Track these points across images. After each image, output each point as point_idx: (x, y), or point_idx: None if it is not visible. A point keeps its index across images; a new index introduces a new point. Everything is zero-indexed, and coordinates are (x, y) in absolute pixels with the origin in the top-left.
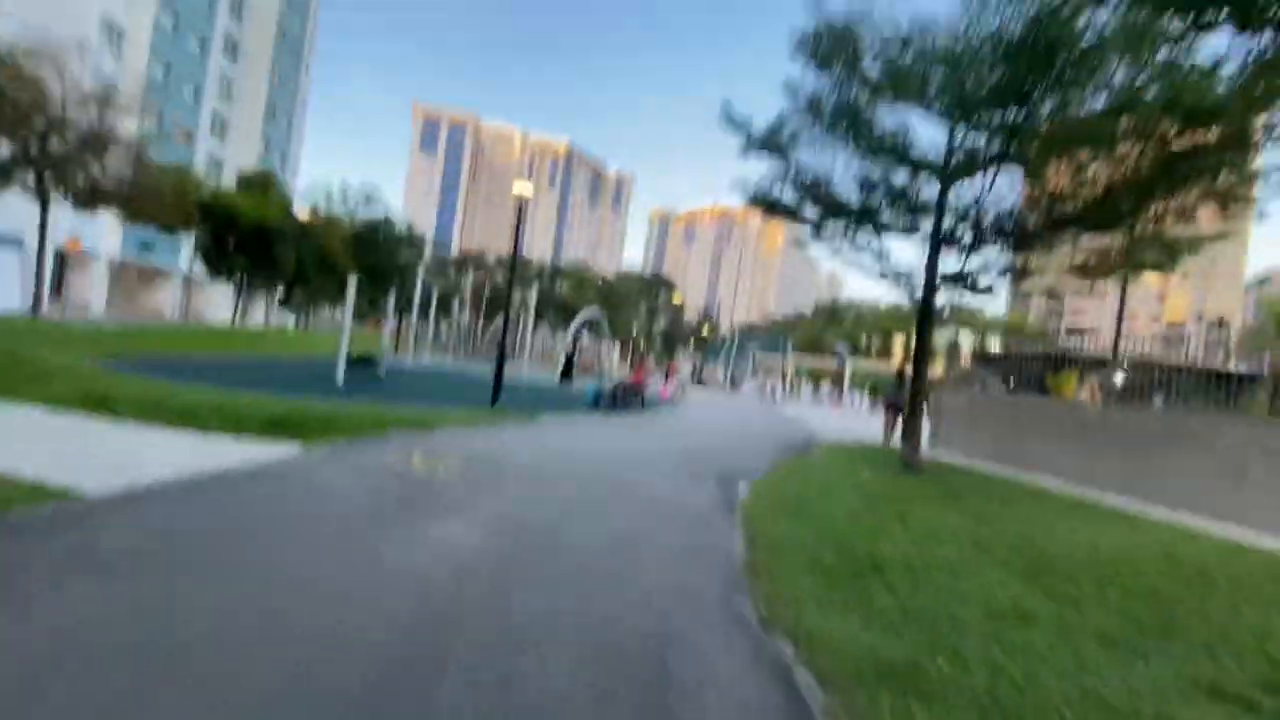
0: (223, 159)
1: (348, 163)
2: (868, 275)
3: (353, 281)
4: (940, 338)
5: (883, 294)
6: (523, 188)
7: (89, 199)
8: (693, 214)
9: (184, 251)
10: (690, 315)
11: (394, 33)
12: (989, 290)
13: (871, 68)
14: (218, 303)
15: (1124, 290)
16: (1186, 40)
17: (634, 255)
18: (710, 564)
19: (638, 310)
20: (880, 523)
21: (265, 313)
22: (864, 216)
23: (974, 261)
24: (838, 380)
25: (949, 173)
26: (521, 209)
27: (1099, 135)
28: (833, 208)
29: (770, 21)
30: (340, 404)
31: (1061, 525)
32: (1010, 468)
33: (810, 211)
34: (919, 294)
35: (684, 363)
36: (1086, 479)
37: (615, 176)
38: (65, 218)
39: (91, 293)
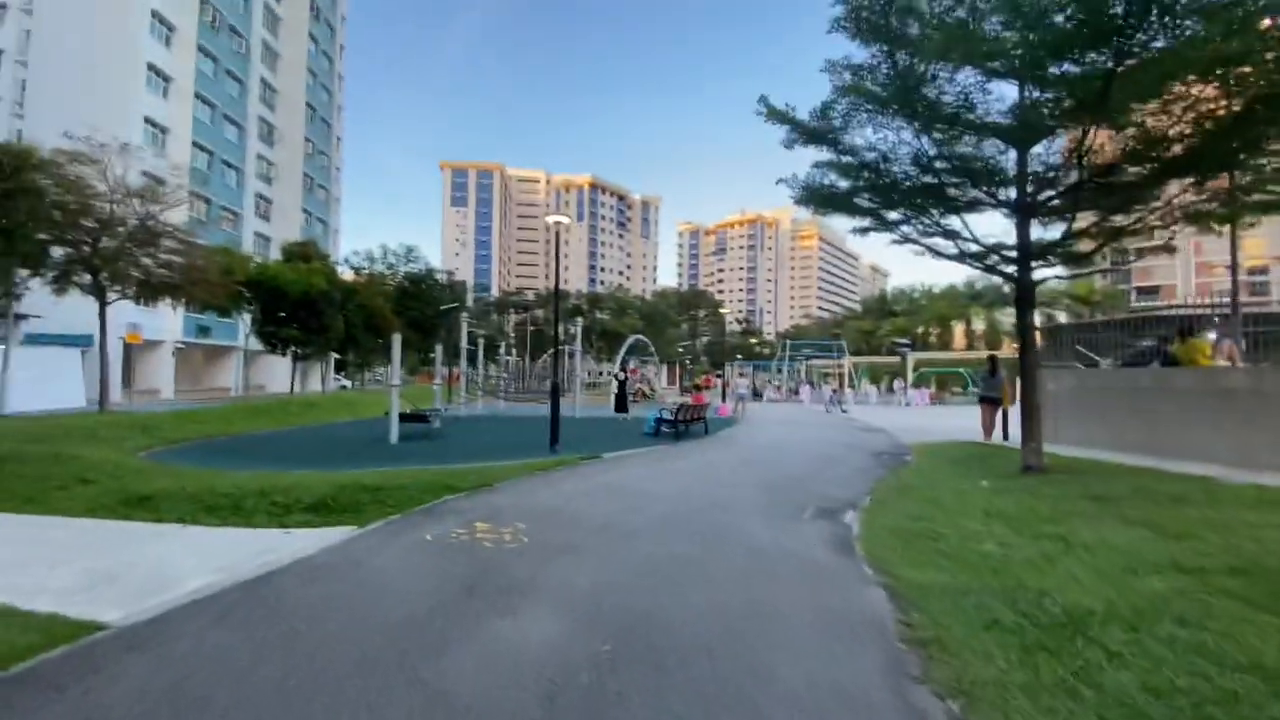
0: (269, 235)
1: (385, 223)
2: (944, 259)
3: (397, 340)
4: (1005, 318)
5: (934, 279)
6: (557, 219)
7: (143, 291)
8: (721, 225)
9: (241, 327)
10: (733, 326)
11: (414, 96)
12: (1090, 258)
13: (923, 28)
14: (277, 374)
15: (1233, 236)
16: None
17: (668, 275)
18: (858, 639)
19: (679, 328)
20: (1042, 551)
21: (322, 379)
22: (932, 195)
23: (1065, 227)
24: (900, 377)
25: (1025, 134)
26: (558, 239)
27: (1227, 55)
28: (895, 191)
29: (774, 25)
30: (394, 469)
31: (1270, 529)
32: (1145, 457)
33: (869, 200)
34: (1012, 271)
35: (740, 377)
36: (1248, 461)
37: (640, 200)
38: (128, 310)
39: (159, 378)
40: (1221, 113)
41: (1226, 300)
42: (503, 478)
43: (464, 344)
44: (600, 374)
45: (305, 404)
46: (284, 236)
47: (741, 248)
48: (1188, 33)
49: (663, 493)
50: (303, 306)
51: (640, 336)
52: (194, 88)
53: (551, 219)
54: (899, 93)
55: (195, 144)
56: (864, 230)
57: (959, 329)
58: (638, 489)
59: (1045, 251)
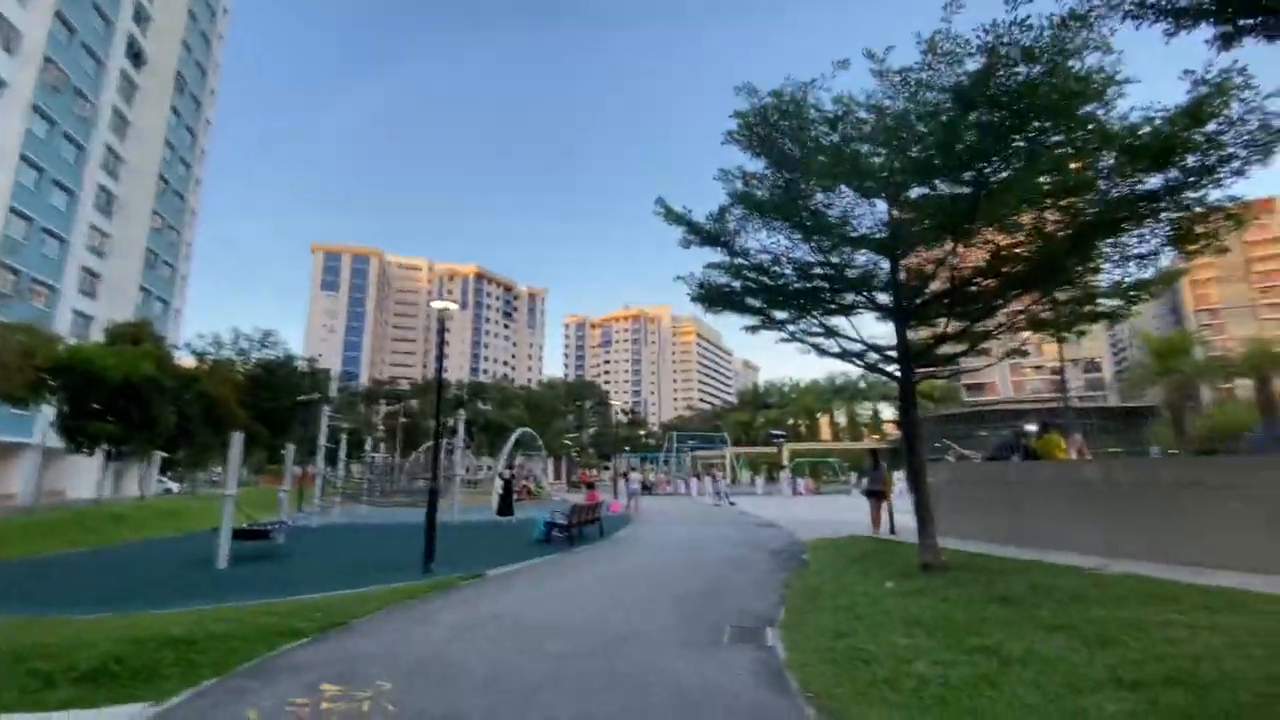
0: (91, 314)
1: (245, 310)
2: (830, 357)
3: (237, 440)
4: (863, 411)
5: (801, 373)
6: (442, 305)
7: None
8: (607, 319)
9: (40, 420)
10: (619, 418)
11: (291, 179)
12: (956, 359)
13: (804, 150)
14: (82, 477)
15: (1060, 343)
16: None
17: (554, 366)
18: None
19: (565, 420)
20: (978, 670)
21: (140, 483)
22: (816, 297)
23: (938, 331)
24: (781, 467)
25: (895, 247)
26: (442, 325)
27: (1074, 182)
28: (783, 293)
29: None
30: (216, 606)
31: (1178, 628)
32: (1019, 548)
33: (758, 300)
34: (894, 370)
35: (632, 472)
36: (1112, 548)
37: (528, 291)
38: None
39: None
40: (1060, 236)
41: (1041, 395)
42: (361, 612)
43: (322, 439)
44: (481, 469)
45: (112, 516)
46: (116, 315)
47: (626, 341)
48: (1017, 167)
49: (563, 623)
50: (124, 396)
51: (527, 429)
52: (19, 148)
53: (437, 304)
54: (785, 204)
55: (13, 210)
56: (754, 328)
57: (824, 420)
58: (533, 620)
59: (922, 353)
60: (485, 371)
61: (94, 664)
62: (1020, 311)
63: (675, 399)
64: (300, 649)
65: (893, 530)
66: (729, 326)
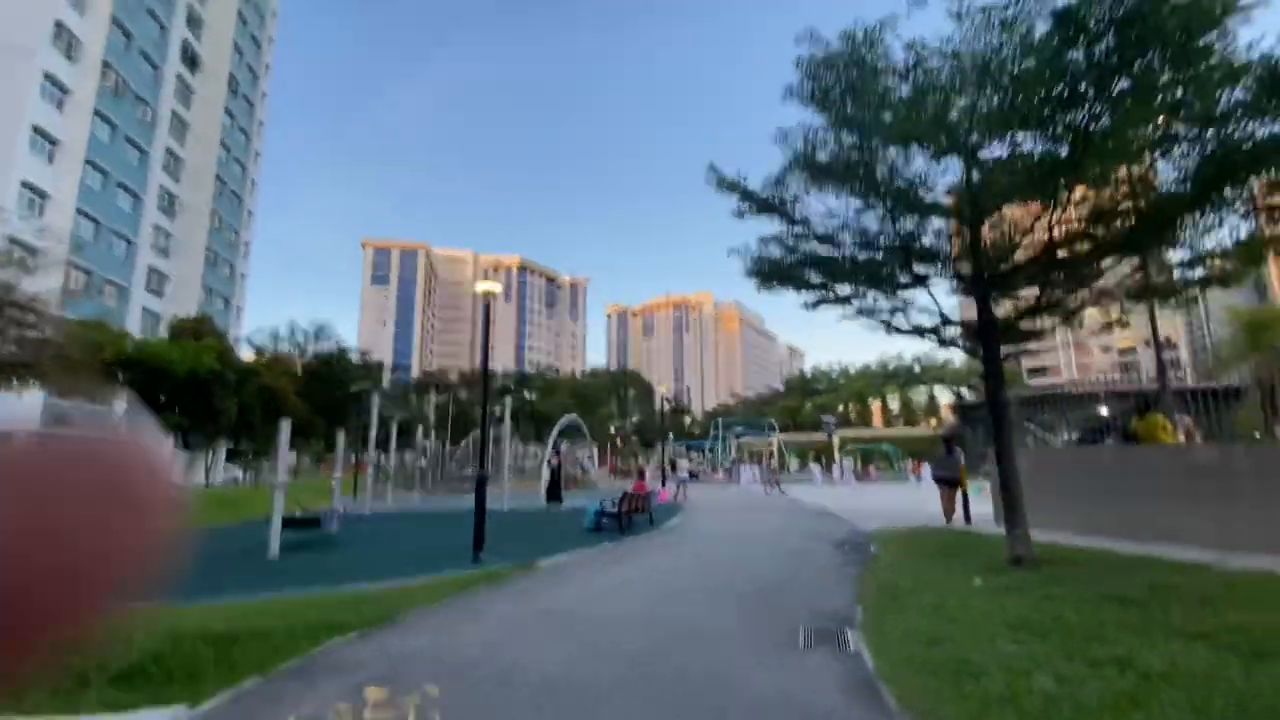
0: (159, 312)
1: (300, 305)
2: (899, 334)
3: (285, 427)
4: (917, 396)
5: (850, 358)
6: (487, 287)
7: None
8: (647, 306)
9: (113, 413)
10: (662, 406)
11: (339, 175)
12: (1039, 335)
13: (873, 104)
14: None
15: (1153, 315)
16: None
17: (597, 355)
18: None
19: (610, 408)
20: (1113, 686)
21: (207, 471)
22: (881, 270)
23: (1021, 304)
24: (827, 454)
25: (979, 212)
26: (488, 309)
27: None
28: (848, 265)
29: (703, 104)
30: (264, 598)
31: None
32: (1118, 540)
33: (820, 274)
34: (974, 347)
35: (682, 460)
36: (1228, 541)
37: (570, 281)
38: None
39: None
40: (1171, 190)
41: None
42: (410, 604)
43: (373, 428)
44: (530, 457)
45: None
46: (181, 313)
47: (668, 328)
48: (1126, 109)
49: (622, 620)
50: (189, 389)
51: (573, 417)
52: (85, 153)
53: (481, 285)
54: (852, 165)
55: (80, 211)
56: (815, 304)
57: (876, 406)
58: (588, 615)
59: (1007, 327)
60: (530, 362)
61: (130, 662)
62: (1125, 276)
63: (718, 386)
64: (345, 646)
65: (968, 520)
66: (774, 311)
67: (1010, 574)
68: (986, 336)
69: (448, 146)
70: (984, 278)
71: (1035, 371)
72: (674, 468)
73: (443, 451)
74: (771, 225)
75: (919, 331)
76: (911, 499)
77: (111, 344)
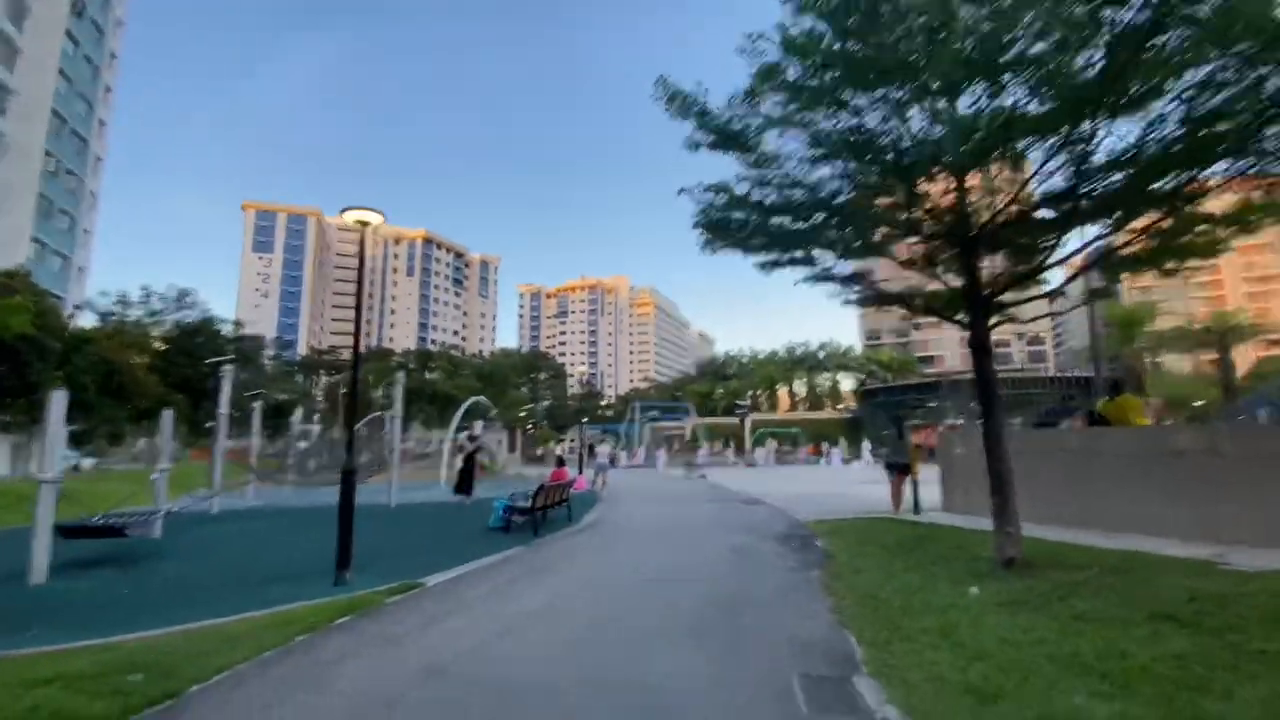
0: None
1: (172, 275)
2: (863, 304)
3: (58, 401)
4: (823, 382)
5: (759, 344)
6: (361, 215)
7: None
8: (563, 289)
9: None
10: (575, 389)
11: (223, 134)
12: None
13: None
14: None
15: (1091, 304)
16: None
17: (508, 337)
18: None
19: (520, 392)
20: None
21: (36, 458)
22: (862, 221)
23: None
24: (739, 438)
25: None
26: (364, 245)
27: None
28: (826, 211)
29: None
30: None
31: None
32: (1093, 533)
33: (788, 222)
34: (961, 318)
35: (601, 445)
36: (1210, 534)
37: (480, 259)
38: None
39: None
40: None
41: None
42: (213, 668)
43: (224, 405)
44: (430, 443)
45: None
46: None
47: (583, 312)
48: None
49: (538, 681)
50: None
51: (480, 398)
52: None
53: (352, 214)
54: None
55: None
56: (770, 265)
57: (783, 392)
58: (489, 678)
59: (999, 291)
60: (434, 342)
61: None
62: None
63: (632, 371)
64: None
65: (917, 510)
66: (687, 298)
67: (1006, 580)
68: (971, 301)
69: (345, 115)
70: (972, 237)
71: (924, 360)
72: (592, 453)
73: (333, 438)
74: (728, 167)
75: (890, 299)
76: (828, 483)
77: None
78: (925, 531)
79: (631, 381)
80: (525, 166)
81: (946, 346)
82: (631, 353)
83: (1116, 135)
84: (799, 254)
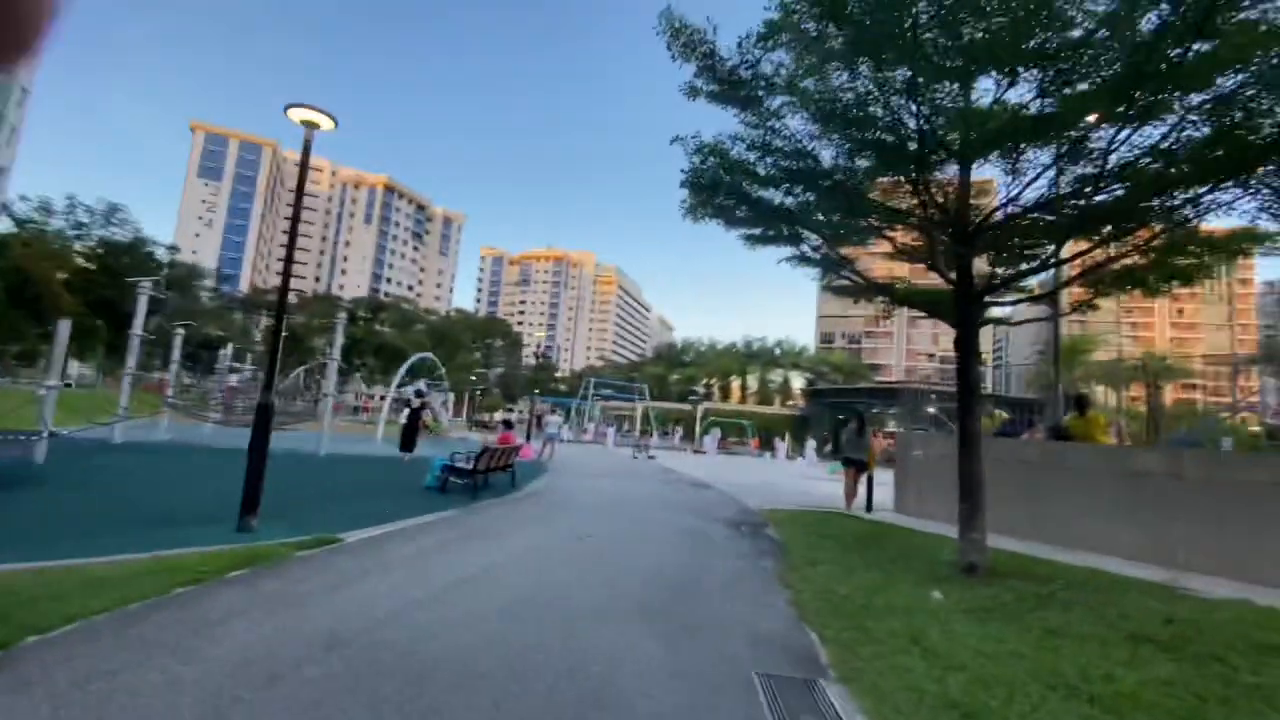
0: None
1: (108, 189)
2: (849, 294)
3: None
4: (775, 378)
5: (717, 335)
6: (307, 115)
7: None
8: (527, 256)
9: None
10: (529, 359)
11: (177, 50)
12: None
13: None
14: None
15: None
16: None
17: (465, 299)
18: None
19: (472, 355)
20: None
21: None
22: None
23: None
24: (689, 424)
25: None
26: (308, 147)
27: None
28: (805, 197)
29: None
30: None
31: None
32: (1047, 546)
33: (784, 194)
34: (948, 312)
35: (552, 414)
36: (1163, 556)
37: (443, 214)
38: None
39: None
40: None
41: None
42: (61, 614)
43: (137, 328)
44: (374, 398)
45: None
46: None
47: (545, 282)
48: None
49: (459, 660)
50: None
51: (428, 355)
52: None
53: (299, 114)
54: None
55: None
56: (757, 239)
57: (736, 384)
58: (402, 647)
59: (998, 288)
60: (387, 295)
61: None
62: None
63: (590, 348)
64: None
65: (869, 508)
66: (651, 283)
67: (969, 586)
68: (964, 300)
69: (318, 40)
70: (967, 231)
71: (872, 367)
72: (539, 423)
73: (259, 378)
74: (726, 122)
75: (876, 289)
76: (774, 475)
77: None
78: (880, 529)
79: (588, 359)
80: (499, 129)
81: (893, 356)
82: (590, 329)
83: (1130, 145)
84: (786, 231)
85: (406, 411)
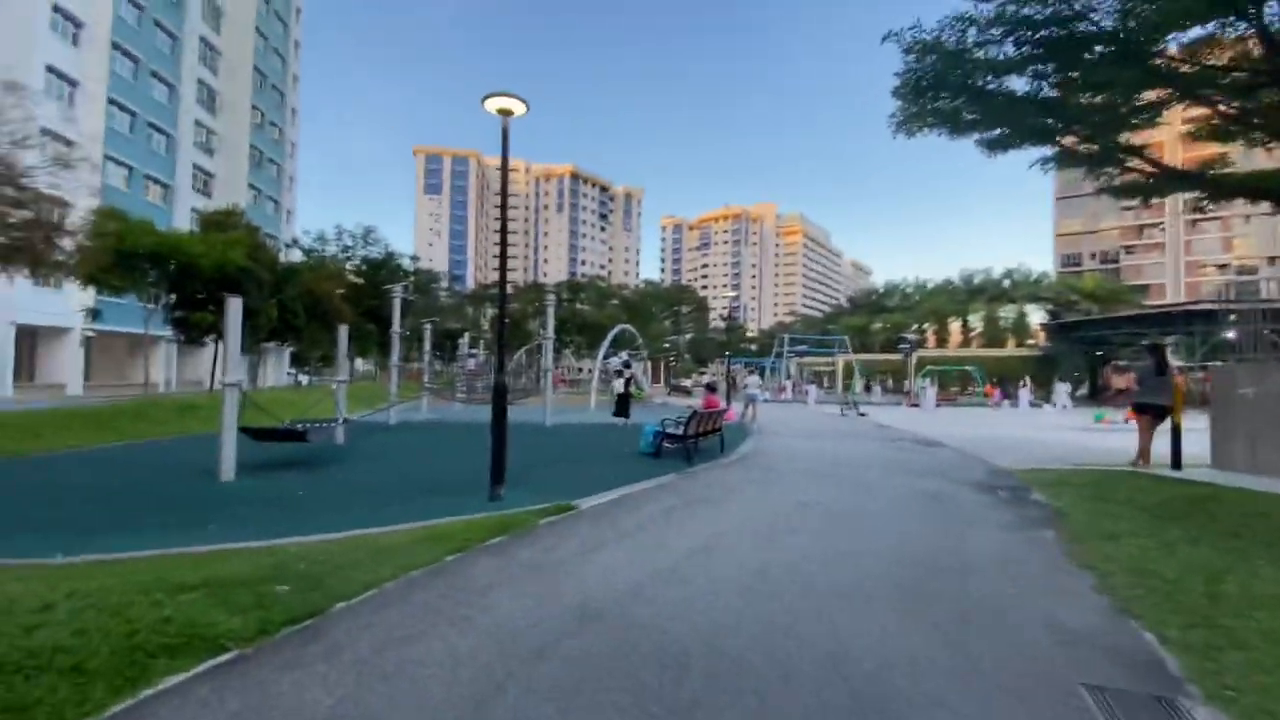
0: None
1: (353, 213)
2: (1139, 188)
3: (234, 309)
4: (1006, 315)
5: (926, 274)
6: (503, 104)
7: None
8: (705, 219)
9: (159, 312)
10: (718, 323)
11: (386, 77)
12: None
13: None
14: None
15: None
16: None
17: (650, 269)
18: None
19: (662, 324)
20: None
21: (255, 373)
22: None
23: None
24: (899, 375)
25: None
26: (506, 135)
27: None
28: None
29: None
30: (129, 556)
31: None
32: None
33: (1001, 95)
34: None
35: (750, 375)
36: None
37: (624, 191)
38: (23, 289)
39: (65, 370)
40: None
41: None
42: (360, 581)
43: (395, 328)
44: (581, 370)
45: (180, 407)
46: None
47: (725, 242)
48: None
49: (711, 641)
50: (220, 286)
51: (626, 326)
52: (110, 36)
53: (495, 103)
54: None
55: (113, 101)
56: (997, 144)
57: (955, 326)
58: (655, 628)
59: None
60: (583, 275)
61: None
62: None
63: (777, 304)
64: (186, 694)
65: (1176, 465)
66: (840, 225)
67: None
68: None
69: (498, 51)
70: None
71: (1136, 289)
72: (734, 385)
73: (491, 361)
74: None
75: (1181, 180)
76: (1021, 426)
77: (133, 235)
78: (1200, 491)
79: (776, 315)
80: (669, 97)
81: (1165, 274)
82: (777, 284)
83: None
84: (1038, 124)
85: (620, 381)
